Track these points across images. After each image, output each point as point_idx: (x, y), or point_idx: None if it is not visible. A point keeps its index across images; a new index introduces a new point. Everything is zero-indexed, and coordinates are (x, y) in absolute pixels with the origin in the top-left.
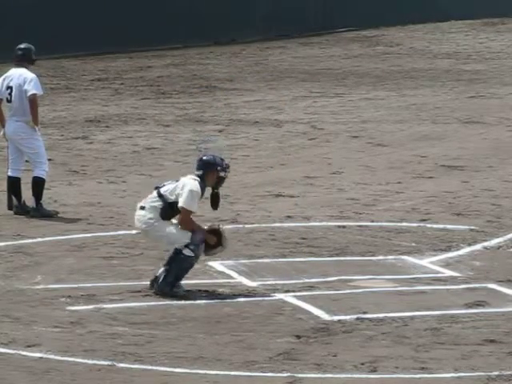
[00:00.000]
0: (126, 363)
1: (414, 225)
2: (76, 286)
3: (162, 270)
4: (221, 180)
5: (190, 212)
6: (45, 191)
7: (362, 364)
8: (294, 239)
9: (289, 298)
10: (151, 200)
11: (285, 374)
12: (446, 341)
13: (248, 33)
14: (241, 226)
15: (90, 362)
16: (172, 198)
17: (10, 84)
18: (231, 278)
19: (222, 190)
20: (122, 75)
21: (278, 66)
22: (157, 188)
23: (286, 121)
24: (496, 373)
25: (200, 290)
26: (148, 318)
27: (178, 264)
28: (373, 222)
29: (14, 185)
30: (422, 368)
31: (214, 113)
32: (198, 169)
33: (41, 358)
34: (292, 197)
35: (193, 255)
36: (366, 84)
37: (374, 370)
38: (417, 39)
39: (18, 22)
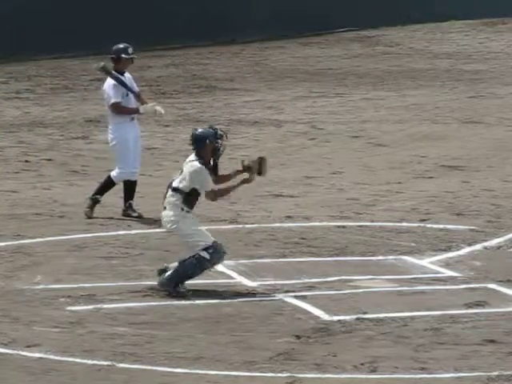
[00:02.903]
0: (125, 363)
1: (414, 225)
2: (76, 286)
3: (174, 264)
4: (216, 150)
5: (211, 189)
6: (45, 191)
7: (362, 364)
8: (294, 239)
9: (289, 298)
10: (169, 198)
11: (285, 374)
12: (446, 341)
13: (248, 33)
14: (241, 226)
15: (90, 362)
16: (187, 190)
17: None
18: (231, 278)
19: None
20: None
21: (277, 66)
22: (170, 185)
23: (285, 121)
24: (496, 373)
25: (200, 290)
26: (148, 318)
27: (191, 264)
28: (373, 222)
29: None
30: (422, 368)
31: (214, 113)
32: (192, 146)
33: (41, 358)
34: (292, 197)
35: (208, 258)
36: (365, 84)
37: (373, 370)
38: (417, 39)
39: (17, 22)
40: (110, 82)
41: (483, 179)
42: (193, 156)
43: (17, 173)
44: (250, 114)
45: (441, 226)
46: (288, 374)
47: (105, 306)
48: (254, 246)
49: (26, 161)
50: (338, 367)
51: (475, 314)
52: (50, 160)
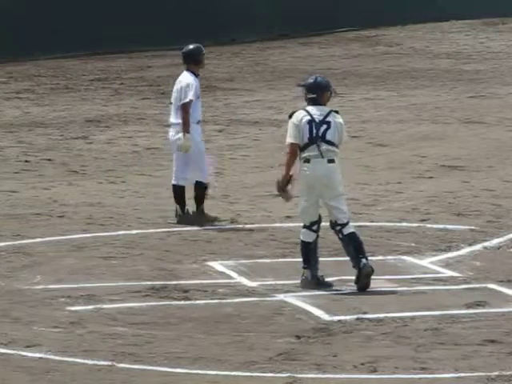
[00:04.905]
0: (125, 363)
1: (414, 225)
2: (76, 286)
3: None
4: (330, 97)
5: None
6: (45, 191)
7: (362, 364)
8: (293, 239)
9: (289, 298)
10: (332, 151)
11: (285, 374)
12: (446, 341)
13: (248, 33)
14: (241, 225)
15: (90, 362)
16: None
17: (174, 88)
18: (231, 278)
19: (221, 191)
20: (121, 75)
21: (277, 66)
22: (321, 139)
23: (286, 121)
24: (496, 373)
25: (200, 290)
26: (148, 318)
27: (356, 238)
28: (373, 222)
29: (177, 193)
30: (422, 368)
31: (214, 113)
32: (313, 95)
33: (41, 358)
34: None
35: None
36: (366, 84)
37: (374, 371)
38: (417, 39)
39: (17, 22)
40: (190, 78)
41: (483, 179)
42: (315, 108)
43: (17, 173)
44: (250, 113)
45: (441, 226)
46: (288, 374)
47: (105, 306)
48: (254, 246)
49: (26, 161)
50: (337, 367)
51: (475, 314)
52: (50, 160)
